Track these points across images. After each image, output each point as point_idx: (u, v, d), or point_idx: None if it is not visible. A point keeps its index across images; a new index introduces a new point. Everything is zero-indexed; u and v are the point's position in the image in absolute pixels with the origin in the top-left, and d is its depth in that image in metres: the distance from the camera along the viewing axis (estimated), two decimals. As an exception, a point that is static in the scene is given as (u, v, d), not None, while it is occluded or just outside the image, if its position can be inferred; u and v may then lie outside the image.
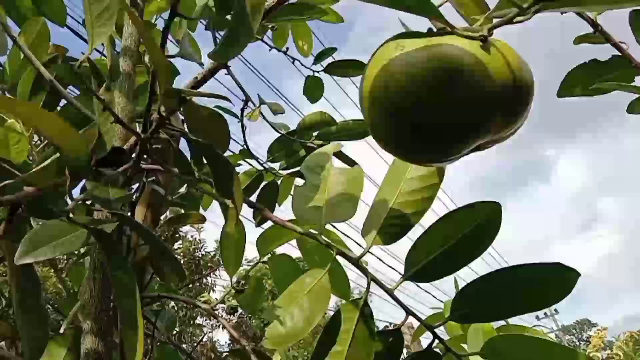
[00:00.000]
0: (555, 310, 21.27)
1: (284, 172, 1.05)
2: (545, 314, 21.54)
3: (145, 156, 0.53)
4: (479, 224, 0.43)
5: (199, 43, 0.93)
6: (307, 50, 1.15)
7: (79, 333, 0.63)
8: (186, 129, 0.46)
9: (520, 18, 0.30)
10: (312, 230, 0.48)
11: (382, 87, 0.32)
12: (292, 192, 1.10)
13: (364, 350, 0.42)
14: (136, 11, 0.67)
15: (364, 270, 0.43)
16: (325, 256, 0.68)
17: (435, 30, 0.35)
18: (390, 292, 0.43)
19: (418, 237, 0.45)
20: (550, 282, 0.40)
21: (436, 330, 0.48)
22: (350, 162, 0.76)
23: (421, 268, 0.44)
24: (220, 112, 1.07)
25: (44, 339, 0.46)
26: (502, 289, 0.41)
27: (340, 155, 0.73)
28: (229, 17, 0.41)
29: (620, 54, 0.55)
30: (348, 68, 1.02)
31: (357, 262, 0.44)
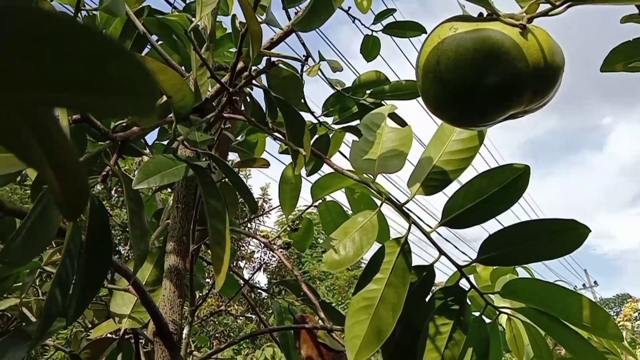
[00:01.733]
0: (595, 282, 20.88)
1: (336, 127, 1.13)
2: (584, 285, 21.18)
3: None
4: (509, 182, 0.50)
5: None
6: (367, 6, 1.19)
7: (163, 252, 0.75)
8: (266, 86, 0.55)
9: (555, 12, 0.36)
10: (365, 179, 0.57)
11: (435, 60, 0.39)
12: (341, 147, 1.18)
13: (401, 279, 0.52)
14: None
15: (407, 215, 0.52)
16: (370, 204, 0.77)
17: (485, 15, 0.42)
18: (427, 234, 0.52)
19: (457, 189, 0.53)
20: (564, 234, 0.47)
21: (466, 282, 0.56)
22: (402, 123, 0.83)
23: (457, 215, 0.52)
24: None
25: (145, 250, 0.58)
26: (523, 237, 0.49)
27: (394, 116, 0.81)
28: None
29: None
30: (406, 29, 1.07)
31: (401, 207, 0.53)
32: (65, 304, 0.49)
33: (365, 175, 0.57)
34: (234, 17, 0.65)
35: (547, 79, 0.38)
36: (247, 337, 0.76)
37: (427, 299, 0.56)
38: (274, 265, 8.45)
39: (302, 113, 1.21)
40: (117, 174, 0.57)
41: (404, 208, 0.53)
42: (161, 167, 0.50)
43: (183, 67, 0.78)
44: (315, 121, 1.13)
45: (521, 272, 1.14)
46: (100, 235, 0.51)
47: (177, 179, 0.50)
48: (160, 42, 0.83)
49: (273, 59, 0.49)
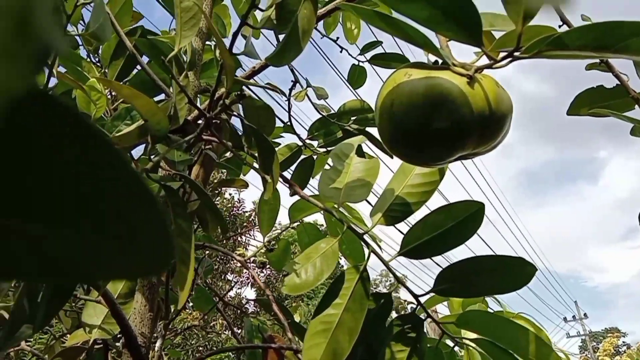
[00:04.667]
0: (585, 315, 20.82)
1: (321, 150, 1.16)
2: (573, 316, 21.12)
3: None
4: (465, 217, 0.53)
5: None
6: (356, 35, 1.24)
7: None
8: (242, 114, 0.58)
9: (498, 65, 0.39)
10: (333, 206, 0.60)
11: (389, 104, 0.42)
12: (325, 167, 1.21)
13: (359, 305, 0.54)
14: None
15: (367, 243, 0.54)
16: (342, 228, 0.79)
17: (439, 63, 0.45)
18: (386, 263, 0.54)
19: (414, 222, 0.55)
20: (514, 271, 0.49)
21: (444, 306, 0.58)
22: (368, 156, 0.86)
23: (414, 247, 0.55)
24: (269, 91, 1.19)
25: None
26: (476, 271, 0.51)
27: (359, 152, 0.84)
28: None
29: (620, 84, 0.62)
30: (390, 60, 1.11)
31: (361, 237, 0.55)
32: (32, 312, 0.51)
33: (333, 203, 0.60)
34: (215, 46, 0.68)
35: (492, 124, 0.41)
36: (215, 354, 0.77)
37: (385, 326, 0.59)
38: (262, 281, 8.41)
39: (288, 135, 1.23)
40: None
41: (364, 237, 0.55)
42: (135, 186, 0.53)
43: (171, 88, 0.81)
44: (300, 143, 1.16)
45: (492, 303, 1.16)
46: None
47: (149, 198, 0.53)
48: (150, 62, 0.86)
49: (246, 89, 0.52)
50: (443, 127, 0.40)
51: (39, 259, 0.12)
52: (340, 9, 0.73)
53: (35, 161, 0.10)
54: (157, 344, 0.86)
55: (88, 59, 0.92)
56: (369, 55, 1.19)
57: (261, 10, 0.50)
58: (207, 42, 0.86)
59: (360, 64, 1.13)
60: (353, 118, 1.14)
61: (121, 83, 0.75)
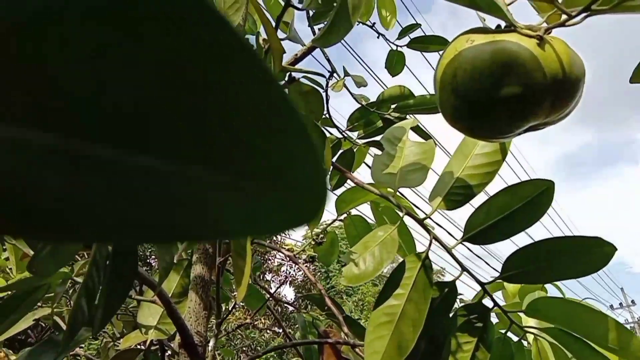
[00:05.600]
0: (633, 301, 19.99)
1: (361, 141, 1.13)
2: (620, 304, 20.33)
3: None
4: (533, 197, 0.49)
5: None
6: (390, 21, 1.20)
7: (189, 264, 0.77)
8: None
9: (571, 22, 0.36)
10: (389, 190, 0.57)
11: (452, 73, 0.39)
12: (365, 160, 1.19)
13: (422, 295, 0.51)
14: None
15: (427, 229, 0.51)
16: (394, 217, 0.77)
17: (502, 27, 0.41)
18: (449, 250, 0.51)
19: (479, 204, 0.52)
20: (589, 252, 0.46)
21: (497, 297, 0.55)
22: (425, 136, 0.82)
23: (479, 232, 0.51)
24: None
25: (170, 263, 0.59)
26: (546, 255, 0.48)
27: (417, 129, 0.80)
28: (331, 9, 0.49)
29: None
30: (429, 44, 1.07)
31: (422, 222, 0.52)
32: (91, 313, 0.51)
33: (388, 189, 0.57)
34: (257, 34, 0.66)
35: (566, 90, 0.38)
36: (271, 351, 0.76)
37: (450, 316, 0.56)
38: (300, 279, 8.44)
39: (327, 128, 1.22)
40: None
41: (425, 222, 0.52)
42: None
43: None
44: (339, 135, 1.14)
45: (551, 290, 1.11)
46: (126, 247, 0.52)
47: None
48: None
49: (295, 74, 0.50)
50: (514, 94, 0.37)
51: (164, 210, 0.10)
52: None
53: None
54: (211, 344, 0.86)
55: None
56: (405, 42, 1.16)
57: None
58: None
59: (399, 49, 1.09)
60: (393, 106, 1.10)
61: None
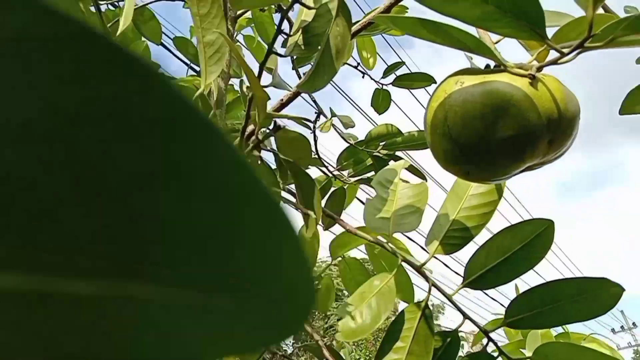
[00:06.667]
0: (634, 324, 19.81)
1: (352, 180, 1.11)
2: (622, 327, 20.12)
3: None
4: (533, 238, 0.48)
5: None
6: (372, 63, 1.21)
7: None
8: (275, 148, 0.54)
9: (564, 60, 0.35)
10: (380, 238, 0.55)
11: (443, 116, 0.38)
12: (357, 197, 1.17)
13: (424, 346, 0.48)
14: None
15: (426, 277, 0.49)
16: (390, 261, 0.74)
17: (492, 66, 0.40)
18: (449, 297, 0.49)
19: (478, 247, 0.50)
20: (597, 294, 0.43)
21: (497, 334, 0.53)
22: (421, 175, 0.81)
23: (479, 276, 0.49)
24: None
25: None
26: (552, 298, 0.46)
27: (410, 168, 0.79)
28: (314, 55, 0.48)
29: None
30: (414, 81, 1.08)
31: (419, 269, 0.50)
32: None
33: (380, 235, 0.55)
34: (241, 81, 0.65)
35: (562, 128, 0.36)
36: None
37: (454, 366, 0.52)
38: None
39: (316, 168, 1.20)
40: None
41: (422, 269, 0.50)
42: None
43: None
44: (329, 174, 1.12)
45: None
46: None
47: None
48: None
49: (280, 121, 0.49)
50: (509, 137, 0.35)
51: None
52: (372, 25, 0.70)
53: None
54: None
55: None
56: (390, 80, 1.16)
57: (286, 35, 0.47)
58: (230, 82, 0.84)
59: (384, 87, 1.09)
60: (382, 143, 1.10)
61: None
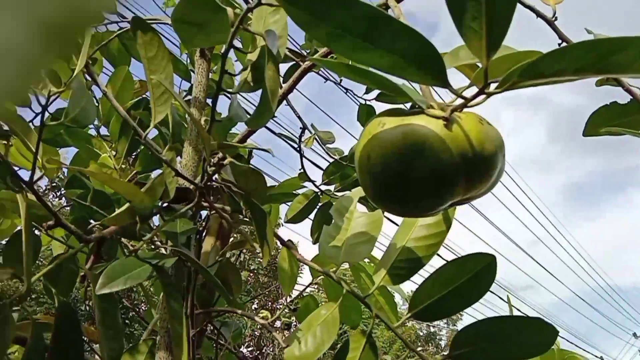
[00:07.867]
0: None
1: (339, 194, 1.13)
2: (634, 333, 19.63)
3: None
4: (477, 271, 0.48)
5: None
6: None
7: (154, 344, 0.75)
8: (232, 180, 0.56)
9: (472, 103, 0.36)
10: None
11: (366, 157, 0.39)
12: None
13: (370, 375, 0.49)
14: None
15: (369, 307, 0.50)
16: (338, 291, 0.75)
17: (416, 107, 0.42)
18: (393, 329, 0.50)
19: (423, 280, 0.51)
20: (532, 335, 0.44)
21: None
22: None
23: (424, 308, 0.50)
24: (283, 137, 1.18)
25: (119, 350, 0.57)
26: (492, 336, 0.46)
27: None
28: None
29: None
30: (396, 95, 1.08)
31: (363, 299, 0.51)
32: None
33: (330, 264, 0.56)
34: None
35: (479, 166, 0.37)
36: None
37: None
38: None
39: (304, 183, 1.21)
40: (88, 276, 0.58)
41: (366, 300, 0.51)
42: (126, 269, 0.51)
43: (178, 157, 0.80)
44: (317, 190, 1.14)
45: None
46: (69, 340, 0.51)
47: (141, 280, 0.51)
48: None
49: (228, 157, 0.51)
50: (423, 177, 0.36)
51: None
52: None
53: None
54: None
55: (98, 136, 0.93)
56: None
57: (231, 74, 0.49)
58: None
59: (367, 102, 1.10)
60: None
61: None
